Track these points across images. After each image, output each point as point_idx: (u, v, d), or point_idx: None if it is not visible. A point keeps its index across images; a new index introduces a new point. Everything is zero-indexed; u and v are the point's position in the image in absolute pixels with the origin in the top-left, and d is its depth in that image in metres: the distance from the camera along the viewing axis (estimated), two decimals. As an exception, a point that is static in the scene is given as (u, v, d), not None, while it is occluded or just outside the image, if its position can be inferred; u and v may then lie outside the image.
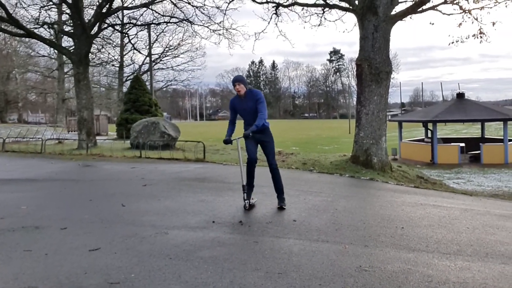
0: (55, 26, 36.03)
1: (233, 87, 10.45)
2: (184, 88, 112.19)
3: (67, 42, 48.91)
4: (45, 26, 34.67)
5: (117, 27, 41.30)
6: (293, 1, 24.66)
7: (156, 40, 67.06)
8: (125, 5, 37.38)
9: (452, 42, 23.04)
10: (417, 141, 40.95)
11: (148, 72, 57.64)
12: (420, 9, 20.79)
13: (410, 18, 21.92)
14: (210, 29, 33.50)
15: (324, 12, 25.17)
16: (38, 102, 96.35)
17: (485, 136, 43.02)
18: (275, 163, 10.71)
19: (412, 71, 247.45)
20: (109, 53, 59.29)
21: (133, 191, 12.84)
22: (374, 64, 19.27)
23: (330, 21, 28.24)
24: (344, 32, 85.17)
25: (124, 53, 67.77)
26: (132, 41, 56.26)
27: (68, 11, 32.91)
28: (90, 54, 31.69)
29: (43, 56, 65.50)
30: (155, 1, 32.74)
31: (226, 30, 32.51)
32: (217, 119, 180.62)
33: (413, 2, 20.58)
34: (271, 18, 26.02)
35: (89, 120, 28.82)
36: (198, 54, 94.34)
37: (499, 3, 21.15)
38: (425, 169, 30.85)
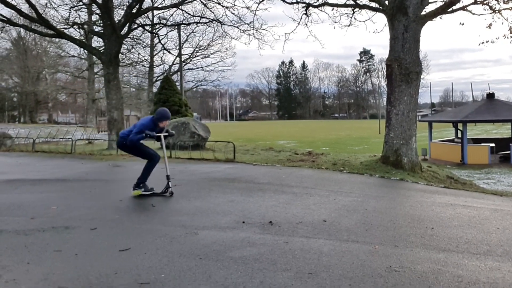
0: (85, 26, 36.18)
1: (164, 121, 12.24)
2: (214, 88, 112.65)
3: (97, 42, 49.18)
4: (75, 27, 34.94)
5: (147, 28, 41.44)
6: (323, 1, 24.60)
7: (186, 40, 67.00)
8: (155, 5, 37.41)
9: (483, 43, 22.99)
10: (447, 142, 40.69)
11: (178, 73, 57.67)
12: (450, 9, 20.68)
13: (440, 18, 21.81)
14: (240, 30, 33.46)
15: (354, 12, 25.10)
16: (68, 103, 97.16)
17: (515, 137, 42.65)
18: None
19: (444, 72, 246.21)
20: (139, 54, 59.71)
21: (163, 191, 12.87)
22: (404, 64, 19.20)
23: (360, 21, 28.42)
24: (374, 33, 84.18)
25: (154, 53, 67.94)
26: (162, 42, 56.37)
27: (98, 11, 32.97)
28: (120, 54, 31.74)
29: (73, 56, 65.97)
30: (185, 1, 32.67)
31: (256, 30, 32.41)
32: (247, 119, 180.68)
33: (443, 3, 20.47)
34: (301, 18, 26.00)
35: (119, 121, 28.87)
36: (228, 54, 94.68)
37: (529, 2, 20.99)
38: (455, 169, 30.69)
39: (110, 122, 28.89)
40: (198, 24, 41.31)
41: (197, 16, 37.01)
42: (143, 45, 54.74)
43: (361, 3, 23.25)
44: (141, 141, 12.29)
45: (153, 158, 12.49)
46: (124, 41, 33.64)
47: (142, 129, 11.93)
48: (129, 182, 13.29)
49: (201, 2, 32.07)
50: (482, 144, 38.16)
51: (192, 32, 65.73)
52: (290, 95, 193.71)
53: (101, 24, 32.30)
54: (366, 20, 26.19)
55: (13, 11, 29.43)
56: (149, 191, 12.15)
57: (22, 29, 53.15)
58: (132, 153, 12.85)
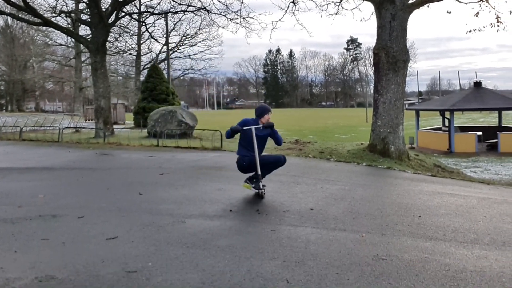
0: (72, 14, 36.17)
1: (266, 114, 10.67)
2: (202, 77, 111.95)
3: (84, 31, 49.17)
4: (62, 15, 34.85)
5: (134, 16, 41.48)
6: (311, -10, 24.61)
7: (173, 28, 66.85)
8: (143, -6, 37.39)
9: (470, 31, 22.96)
10: (434, 130, 40.81)
11: (165, 61, 57.64)
12: (438, -3, 20.69)
13: (428, 7, 21.83)
14: (227, 18, 33.50)
15: (341, 0, 25.08)
16: (55, 91, 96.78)
17: (503, 125, 42.87)
18: None
19: (431, 60, 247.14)
20: (126, 42, 59.61)
21: (150, 180, 12.89)
22: (391, 52, 19.22)
23: (347, 10, 28.23)
24: (361, 21, 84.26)
25: (141, 42, 67.93)
26: (149, 30, 56.44)
27: (85, 0, 32.94)
28: (107, 42, 31.74)
29: (60, 45, 65.64)
30: (173, -11, 32.70)
31: (243, 19, 32.46)
32: (234, 108, 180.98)
33: (431, -9, 20.48)
34: (288, 6, 25.98)
35: (106, 109, 28.87)
36: (215, 43, 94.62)
37: (517, -9, 21.05)
38: (442, 157, 30.80)
39: (97, 111, 28.87)
40: (185, 13, 41.42)
41: (184, 5, 37.03)
42: (130, 34, 54.73)
43: (348, -8, 23.24)
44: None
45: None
46: (111, 30, 33.61)
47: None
48: (116, 170, 13.29)
49: (189, -10, 32.03)
50: (469, 132, 38.33)
51: (179, 20, 65.55)
52: (277, 84, 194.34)
53: (88, 13, 32.32)
54: (353, 8, 26.18)
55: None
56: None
57: (9, 18, 52.83)
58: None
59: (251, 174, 10.46)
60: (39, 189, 11.60)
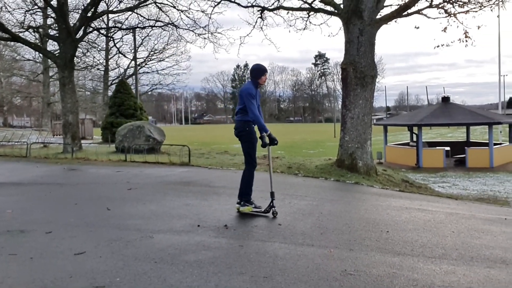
0: (40, 30, 36.03)
1: (262, 76, 10.34)
2: (169, 92, 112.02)
3: (52, 46, 48.91)
4: (30, 30, 34.63)
5: (102, 31, 41.32)
6: (278, 5, 24.66)
7: (141, 44, 66.71)
8: (110, 9, 37.36)
9: (438, 46, 23.09)
10: (402, 145, 41.13)
11: (133, 76, 57.59)
12: (406, 13, 20.80)
13: (396, 22, 21.96)
14: (195, 33, 33.47)
15: (309, 16, 25.09)
16: (23, 106, 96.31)
17: (470, 140, 43.34)
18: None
19: (399, 75, 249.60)
20: (94, 57, 59.24)
21: (118, 195, 12.83)
22: (359, 68, 19.29)
23: (315, 25, 28.16)
24: (329, 36, 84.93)
25: (109, 57, 67.64)
26: (117, 45, 56.14)
27: (53, 15, 32.78)
28: (75, 58, 31.62)
29: (28, 60, 65.25)
30: (140, 5, 32.62)
31: (211, 34, 32.42)
32: (202, 123, 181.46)
33: (398, 6, 20.59)
34: (256, 22, 26.01)
35: (74, 124, 28.73)
36: (183, 58, 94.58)
37: (484, 7, 21.23)
38: (410, 173, 31.02)
39: (65, 126, 28.71)
40: (153, 28, 41.11)
41: (152, 20, 37.02)
42: (98, 49, 54.30)
43: (316, 7, 23.31)
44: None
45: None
46: (79, 45, 33.40)
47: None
48: (84, 185, 13.22)
49: (156, 5, 32.06)
50: (437, 147, 38.78)
51: (147, 35, 65.49)
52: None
53: (56, 28, 32.10)
54: (321, 23, 26.22)
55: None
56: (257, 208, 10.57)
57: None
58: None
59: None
60: (7, 204, 11.51)
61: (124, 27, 43.16)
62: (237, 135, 10.46)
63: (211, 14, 29.64)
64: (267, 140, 9.81)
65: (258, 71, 10.32)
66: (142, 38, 65.58)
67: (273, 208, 10.08)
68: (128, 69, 69.59)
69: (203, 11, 30.84)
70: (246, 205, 10.25)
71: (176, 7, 31.56)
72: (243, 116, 10.17)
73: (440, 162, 35.60)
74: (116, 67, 70.96)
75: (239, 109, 10.25)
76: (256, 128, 10.25)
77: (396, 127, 58.19)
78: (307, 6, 23.69)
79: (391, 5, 21.29)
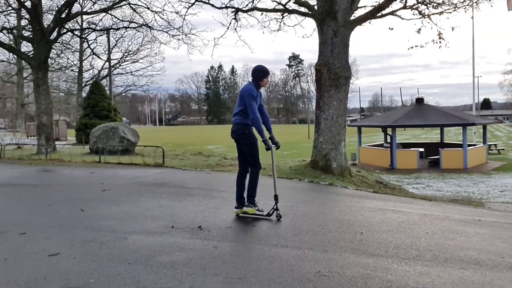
0: (14, 31, 35.86)
1: (264, 78, 10.34)
2: (143, 93, 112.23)
3: (26, 47, 48.62)
4: (4, 31, 34.48)
5: (76, 32, 41.21)
6: (252, 6, 24.62)
7: (115, 45, 66.57)
8: (84, 10, 37.33)
9: (412, 47, 23.16)
10: (376, 146, 41.20)
11: (107, 77, 57.39)
12: (380, 14, 20.84)
13: (370, 23, 22.00)
14: (169, 34, 33.45)
15: (283, 17, 25.04)
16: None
17: (444, 141, 43.53)
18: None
19: (373, 77, 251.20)
20: (68, 58, 59.00)
21: (92, 196, 12.78)
22: (333, 69, 19.27)
23: (289, 26, 28.16)
24: (303, 38, 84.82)
25: (83, 58, 67.33)
26: (91, 46, 56.22)
27: (27, 16, 32.62)
28: (49, 59, 31.45)
29: (2, 61, 64.70)
30: (114, 6, 32.53)
31: (185, 35, 32.38)
32: (176, 124, 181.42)
33: (372, 7, 20.62)
34: (230, 23, 25.97)
35: (48, 125, 28.60)
36: (158, 59, 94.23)
37: (458, 8, 21.34)
38: (384, 174, 31.10)
39: (39, 127, 28.58)
40: (127, 29, 41.13)
41: (126, 21, 37.03)
42: (72, 50, 54.11)
43: (290, 8, 23.29)
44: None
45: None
46: (53, 46, 33.26)
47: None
48: (58, 186, 13.16)
49: (130, 7, 31.98)
50: (411, 149, 38.86)
51: (121, 37, 65.38)
52: (219, 100, 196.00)
53: (30, 29, 31.97)
54: (295, 25, 26.28)
55: None
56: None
57: None
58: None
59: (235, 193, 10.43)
60: (-20, 206, 11.43)
61: (98, 28, 42.99)
62: (235, 138, 10.34)
63: (185, 15, 29.53)
64: (270, 143, 9.89)
65: (260, 73, 10.28)
66: (116, 39, 65.53)
67: (276, 211, 10.00)
68: (102, 70, 69.40)
69: (177, 12, 30.80)
70: (251, 206, 10.18)
71: (150, 8, 31.52)
72: (242, 118, 10.07)
73: (414, 163, 35.72)
74: (90, 68, 70.76)
75: (239, 111, 10.14)
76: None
77: (370, 129, 58.60)
78: (281, 7, 23.66)
79: (365, 6, 21.33)
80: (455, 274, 6.67)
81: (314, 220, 10.15)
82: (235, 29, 26.33)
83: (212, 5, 25.86)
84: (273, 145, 10.18)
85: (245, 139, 10.18)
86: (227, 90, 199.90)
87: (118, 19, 36.93)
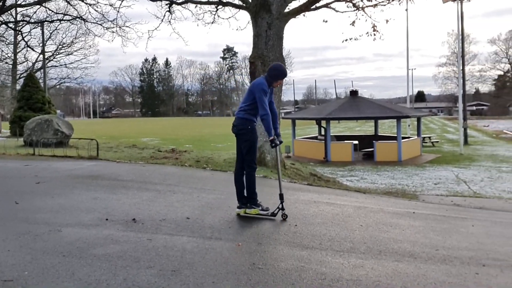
0: (-52, 24, 35.23)
1: (279, 79, 10.05)
2: (78, 86, 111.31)
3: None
4: None
5: (11, 25, 40.88)
6: (186, -1, 24.56)
7: (50, 37, 66.28)
8: (19, 2, 36.91)
9: (346, 40, 23.33)
10: (310, 139, 41.41)
11: (42, 70, 56.85)
12: (314, 6, 20.96)
13: (304, 15, 22.11)
14: (103, 27, 33.34)
15: (217, 9, 24.98)
16: None
17: (379, 134, 43.96)
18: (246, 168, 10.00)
19: (307, 69, 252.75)
20: (2, 51, 58.45)
21: (26, 189, 12.60)
22: (268, 61, 19.25)
23: (223, 18, 28.12)
24: (237, 30, 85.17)
25: (17, 50, 66.83)
26: (26, 39, 55.53)
27: (-39, 9, 32.10)
28: (-17, 52, 31.05)
29: None
30: (49, -1, 32.27)
31: (120, 27, 32.32)
32: (110, 117, 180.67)
33: (307, 0, 20.76)
34: (164, 15, 25.85)
35: (-18, 118, 28.25)
36: (92, 51, 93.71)
37: (392, 0, 21.56)
38: (318, 166, 31.33)
39: (-27, 120, 28.21)
40: (62, 22, 40.87)
41: (61, 14, 36.96)
42: (7, 43, 53.54)
43: (224, 1, 23.25)
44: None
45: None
46: (-13, 39, 32.81)
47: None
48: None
49: (65, -1, 31.66)
50: (346, 141, 39.20)
51: (56, 29, 65.14)
52: (153, 93, 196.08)
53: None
54: (229, 17, 26.21)
55: None
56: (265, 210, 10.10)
57: None
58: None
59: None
60: None
61: (32, 20, 42.68)
62: (236, 132, 9.93)
63: (119, 7, 29.60)
64: (278, 142, 9.48)
65: (278, 73, 9.93)
66: (51, 32, 65.26)
67: (282, 211, 9.71)
68: (37, 63, 68.90)
69: (111, 5, 30.64)
70: (253, 207, 9.93)
71: (84, 1, 31.34)
72: (248, 114, 9.70)
73: (349, 156, 36.00)
74: (25, 60, 70.25)
75: (245, 106, 9.72)
76: (257, 127, 9.96)
77: (304, 121, 58.70)
78: (215, -1, 23.66)
79: (299, -2, 21.41)
80: (390, 267, 6.73)
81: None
82: (170, 21, 26.26)
83: (147, -3, 25.72)
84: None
85: (246, 135, 9.73)
86: (161, 83, 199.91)
87: (53, 11, 36.80)
